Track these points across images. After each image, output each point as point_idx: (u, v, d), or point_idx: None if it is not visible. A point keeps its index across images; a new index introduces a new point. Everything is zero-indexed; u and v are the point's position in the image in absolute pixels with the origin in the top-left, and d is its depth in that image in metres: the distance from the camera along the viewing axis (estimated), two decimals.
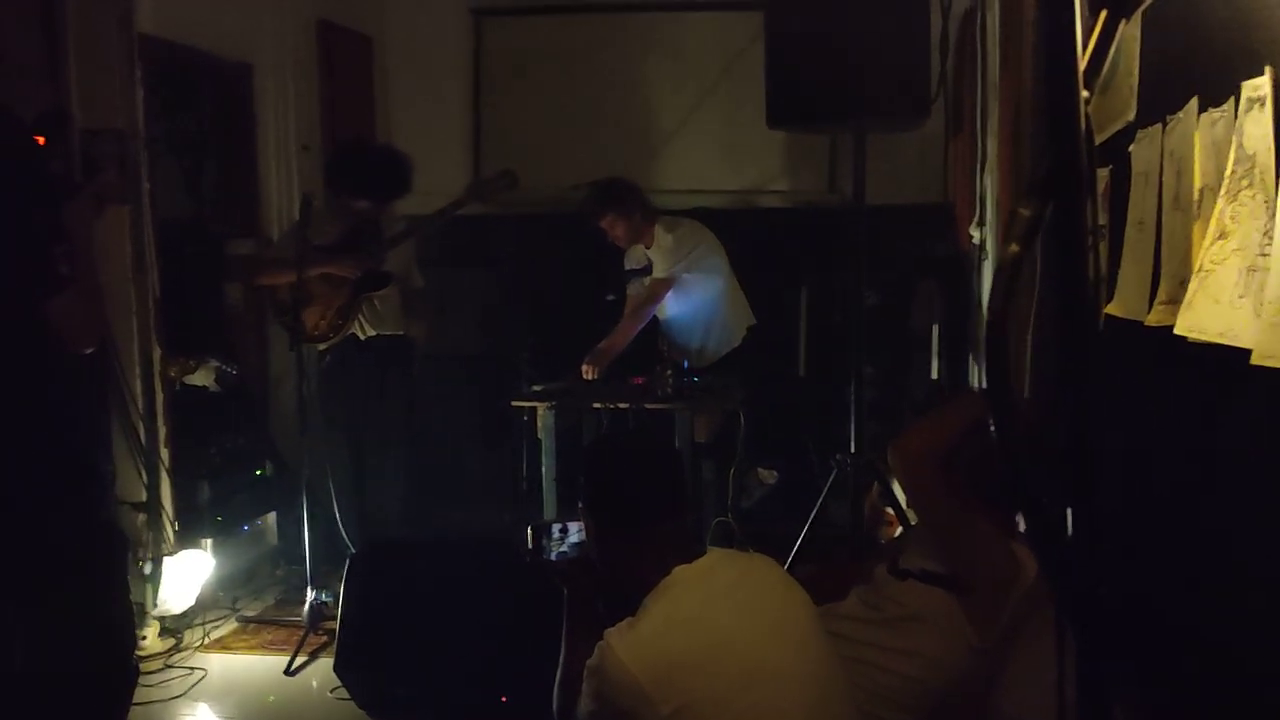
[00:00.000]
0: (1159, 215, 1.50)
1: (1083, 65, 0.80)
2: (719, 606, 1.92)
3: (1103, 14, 1.09)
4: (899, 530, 4.21)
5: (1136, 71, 1.62)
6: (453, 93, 5.85)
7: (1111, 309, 1.61)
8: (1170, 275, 1.43)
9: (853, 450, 3.76)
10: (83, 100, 3.84)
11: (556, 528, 2.27)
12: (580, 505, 2.12)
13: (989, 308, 0.95)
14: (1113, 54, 1.08)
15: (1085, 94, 0.79)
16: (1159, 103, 1.55)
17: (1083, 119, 0.78)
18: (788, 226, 5.51)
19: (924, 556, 2.35)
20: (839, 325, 5.15)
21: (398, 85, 5.89)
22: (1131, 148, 1.64)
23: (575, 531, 2.26)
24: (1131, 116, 1.67)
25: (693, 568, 1.96)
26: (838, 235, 4.97)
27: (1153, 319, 1.47)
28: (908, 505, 3.83)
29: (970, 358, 4.75)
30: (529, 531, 2.26)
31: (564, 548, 2.25)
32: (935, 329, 5.12)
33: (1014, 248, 0.98)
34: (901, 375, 5.12)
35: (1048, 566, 1.06)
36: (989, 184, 3.92)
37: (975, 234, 4.17)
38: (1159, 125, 1.53)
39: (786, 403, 5.16)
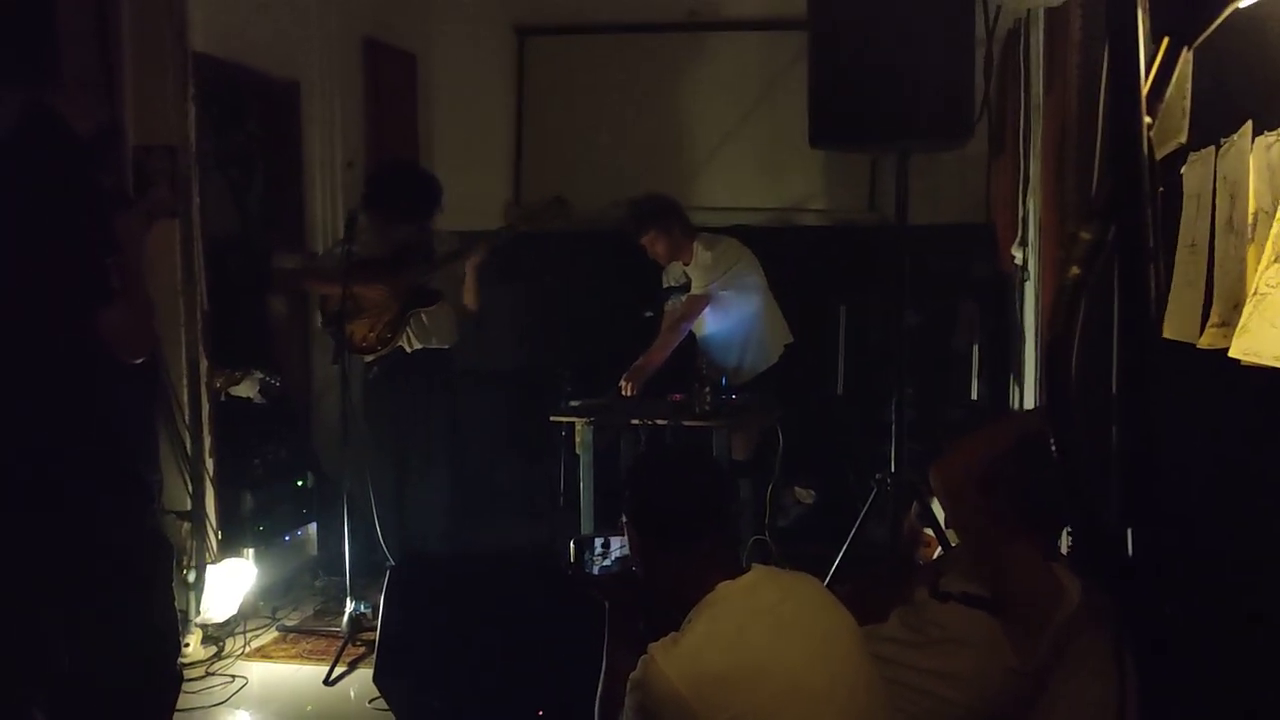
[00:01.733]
0: (1211, 238, 1.49)
1: (1145, 90, 0.81)
2: (762, 624, 1.92)
3: (1165, 41, 1.10)
4: (938, 551, 4.18)
5: (1189, 94, 1.62)
6: (495, 110, 5.91)
7: (1165, 331, 1.60)
8: (1223, 298, 1.43)
9: (893, 470, 3.74)
10: (137, 116, 3.93)
11: (599, 542, 2.29)
12: (624, 519, 2.12)
13: (1050, 330, 0.96)
14: (1175, 80, 1.08)
15: (1148, 119, 0.79)
16: (1211, 126, 1.55)
17: (1145, 144, 0.78)
18: (827, 245, 5.51)
19: (965, 579, 2.34)
20: (878, 344, 5.14)
21: (441, 103, 5.96)
22: (1183, 170, 1.63)
23: (617, 546, 2.27)
24: (1183, 139, 1.66)
25: (737, 584, 1.96)
26: (877, 254, 4.96)
27: (1205, 341, 1.47)
28: (947, 526, 3.81)
29: (1010, 378, 4.72)
30: (571, 545, 2.28)
31: (606, 562, 2.26)
32: (975, 349, 5.10)
33: (1075, 270, 0.98)
34: (940, 396, 5.09)
35: (1110, 588, 1.05)
36: (1032, 205, 3.90)
37: (1017, 254, 4.15)
38: (1212, 148, 1.53)
39: (824, 421, 5.15)
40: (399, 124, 5.70)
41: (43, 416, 2.50)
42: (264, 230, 5.09)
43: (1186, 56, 1.13)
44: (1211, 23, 1.15)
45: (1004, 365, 4.86)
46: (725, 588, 1.95)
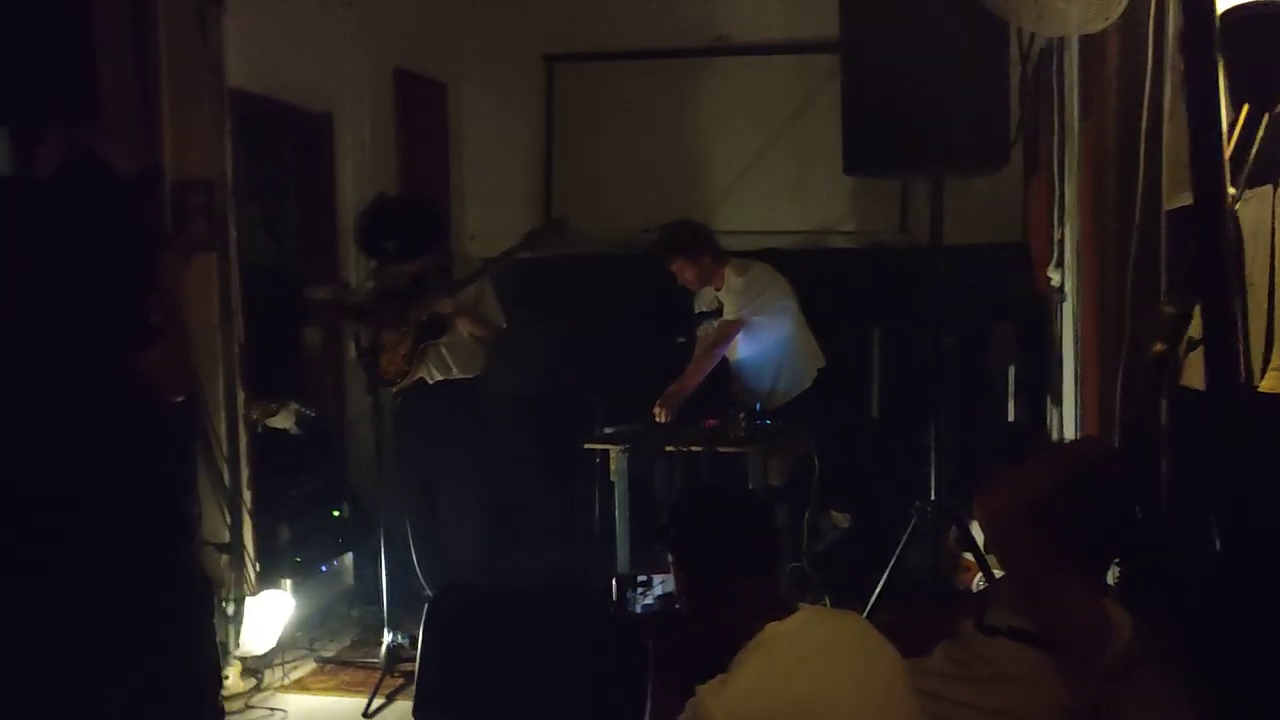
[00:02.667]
0: (1271, 276, 1.47)
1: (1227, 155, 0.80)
2: (812, 665, 1.91)
3: (1245, 108, 1.08)
4: (978, 576, 4.14)
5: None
6: (525, 138, 5.95)
7: None
8: None
9: (932, 496, 3.71)
10: (174, 151, 3.96)
11: (640, 579, 2.27)
12: (670, 558, 2.11)
13: (1131, 409, 0.94)
14: (1257, 145, 1.07)
15: (1232, 191, 0.78)
16: (1267, 161, 1.53)
17: (1229, 218, 0.77)
18: (859, 267, 5.49)
19: (1012, 612, 2.31)
20: (913, 367, 5.10)
21: (471, 131, 6.00)
22: (1238, 206, 1.61)
23: (659, 584, 2.26)
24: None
25: (785, 625, 1.95)
26: (911, 275, 4.94)
27: (1267, 385, 1.44)
28: (987, 550, 3.77)
29: (1048, 400, 4.68)
30: (613, 583, 2.26)
31: (648, 600, 2.25)
32: (1011, 371, 5.06)
33: (1159, 347, 0.97)
34: (977, 419, 5.05)
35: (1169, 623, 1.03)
36: (1068, 228, 3.87)
37: (1054, 276, 4.11)
38: (1269, 186, 1.51)
39: (860, 445, 5.12)
40: (430, 153, 5.74)
41: (83, 456, 2.52)
42: (298, 261, 5.13)
43: (1265, 120, 1.11)
44: None
45: (1041, 387, 4.81)
46: (773, 629, 1.93)
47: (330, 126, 5.05)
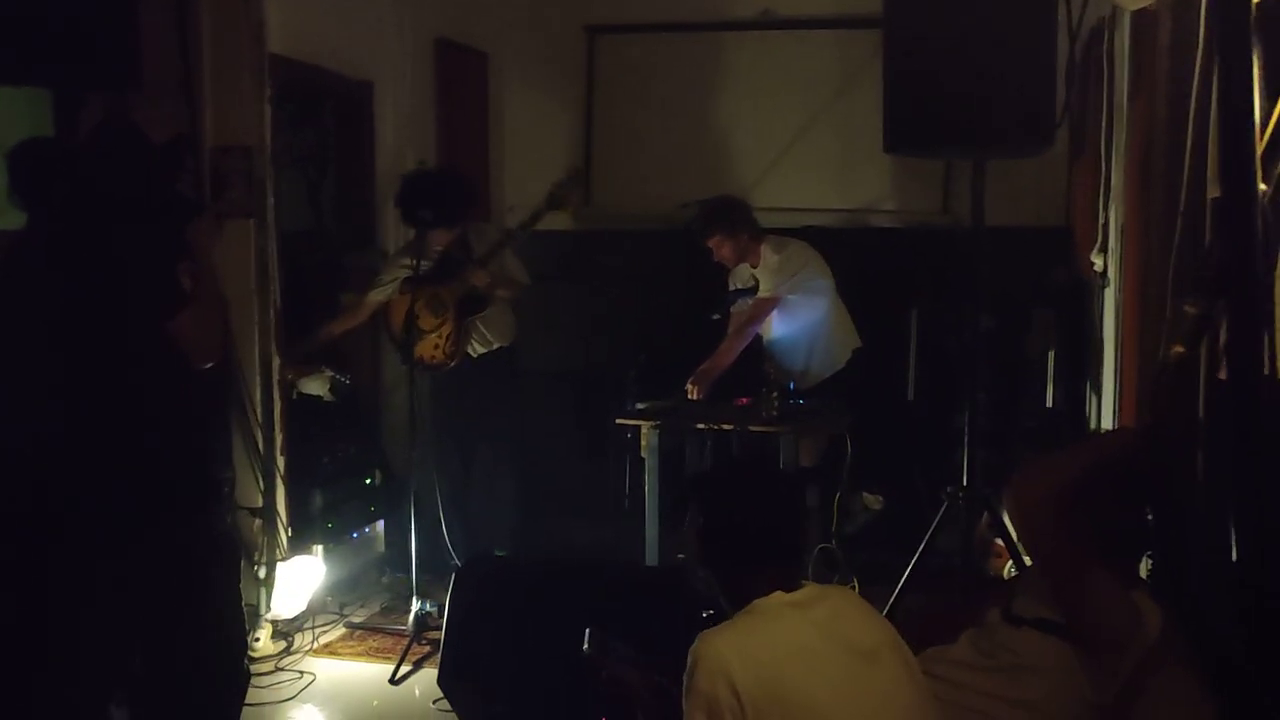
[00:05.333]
0: None
1: (1260, 151, 0.76)
2: (809, 624, 1.98)
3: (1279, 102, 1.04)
4: (1008, 564, 4.09)
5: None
6: (566, 109, 5.91)
7: None
8: None
9: (964, 482, 3.66)
10: (214, 117, 3.98)
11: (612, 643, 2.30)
12: (688, 528, 2.12)
13: (1152, 411, 0.91)
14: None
15: (1263, 187, 0.74)
16: None
17: (1260, 216, 0.74)
18: (899, 247, 5.41)
19: (1039, 602, 2.27)
20: (950, 349, 5.03)
21: (512, 101, 5.97)
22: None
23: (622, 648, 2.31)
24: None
25: (789, 595, 2.02)
26: (951, 257, 4.86)
27: None
28: (1019, 540, 3.72)
29: (1087, 386, 4.60)
30: (587, 635, 2.30)
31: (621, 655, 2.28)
32: (1050, 356, 4.97)
33: (1178, 348, 0.93)
34: (1015, 403, 4.98)
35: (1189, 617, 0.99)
36: (1113, 211, 3.79)
37: (1097, 261, 4.03)
38: None
39: (894, 428, 5.06)
40: (470, 122, 5.72)
41: (117, 420, 2.55)
42: (336, 228, 5.15)
43: None
44: None
45: (1080, 373, 4.73)
46: (780, 595, 2.01)
47: (370, 95, 5.05)
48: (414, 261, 4.14)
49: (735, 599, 2.04)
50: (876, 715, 1.95)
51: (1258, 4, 0.88)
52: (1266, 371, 0.79)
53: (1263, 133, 0.87)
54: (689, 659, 1.93)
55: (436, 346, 4.43)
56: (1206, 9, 1.65)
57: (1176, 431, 0.93)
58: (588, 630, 2.23)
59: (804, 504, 3.87)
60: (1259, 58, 0.78)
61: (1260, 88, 0.77)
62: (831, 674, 1.93)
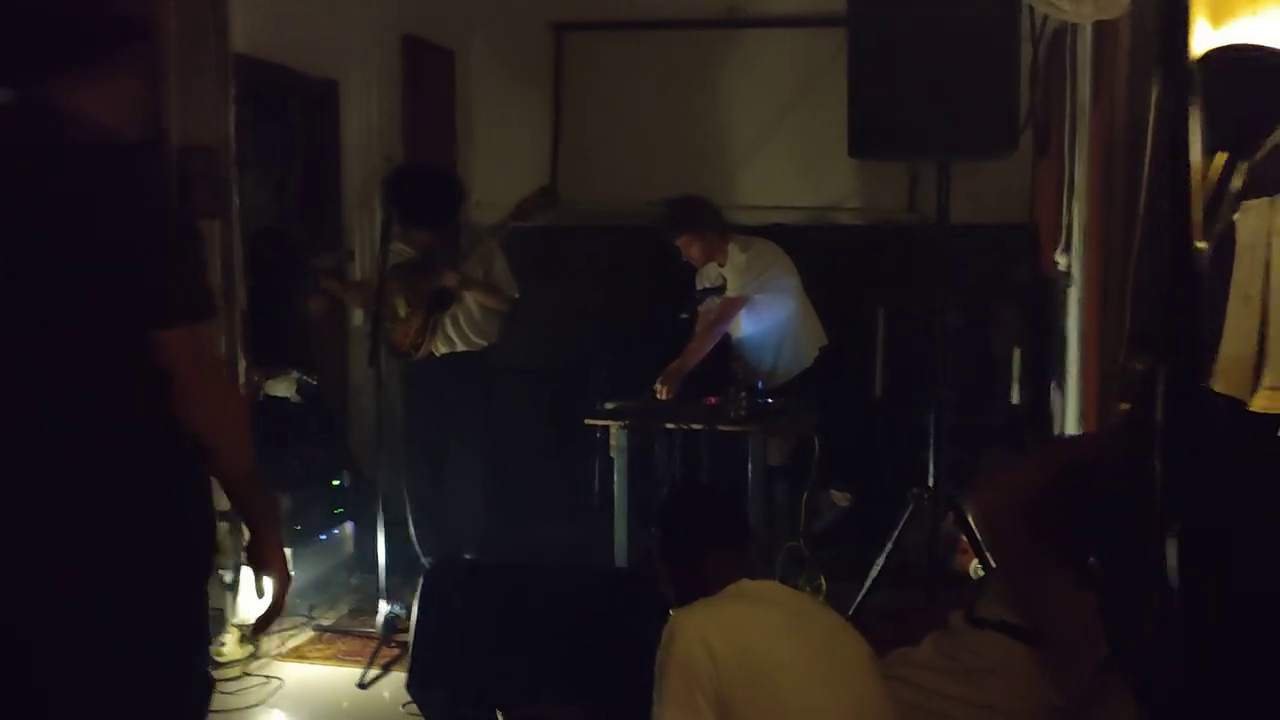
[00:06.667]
0: (1265, 293, 1.44)
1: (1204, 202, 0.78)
2: (777, 618, 2.12)
3: (1220, 156, 1.05)
4: (974, 561, 4.13)
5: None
6: (533, 107, 5.89)
7: (1215, 385, 1.54)
8: (1278, 360, 1.38)
9: (930, 482, 3.70)
10: (178, 117, 3.93)
11: None
12: (657, 558, 2.32)
13: (1104, 469, 0.93)
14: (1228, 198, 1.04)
15: (1201, 245, 0.76)
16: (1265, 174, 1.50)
17: (1199, 278, 0.75)
18: (865, 245, 5.45)
19: (1002, 605, 2.30)
20: (917, 347, 5.07)
21: (479, 99, 5.95)
22: (1237, 216, 1.57)
23: None
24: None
25: (756, 583, 2.21)
26: (917, 255, 4.90)
27: (1259, 404, 1.42)
28: (983, 543, 3.76)
29: (1052, 384, 4.65)
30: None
31: None
32: (1016, 353, 5.03)
33: (1124, 406, 0.95)
34: (980, 400, 5.03)
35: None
36: (1076, 211, 3.83)
37: (1061, 260, 4.08)
38: (1266, 200, 1.48)
39: (862, 425, 5.10)
40: (437, 120, 5.69)
41: (85, 422, 2.50)
42: (301, 227, 5.11)
43: (1242, 168, 1.09)
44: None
45: (1045, 370, 4.79)
46: (746, 582, 2.19)
47: (336, 93, 5.01)
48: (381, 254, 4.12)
49: (697, 584, 2.18)
50: (843, 679, 2.07)
51: (1202, 56, 0.89)
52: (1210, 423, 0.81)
53: (1203, 191, 0.89)
54: (664, 634, 2.06)
55: (405, 335, 4.44)
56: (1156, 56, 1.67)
57: (1128, 486, 0.95)
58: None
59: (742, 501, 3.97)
60: (1199, 118, 0.80)
61: (1202, 145, 0.79)
62: (795, 643, 2.08)
